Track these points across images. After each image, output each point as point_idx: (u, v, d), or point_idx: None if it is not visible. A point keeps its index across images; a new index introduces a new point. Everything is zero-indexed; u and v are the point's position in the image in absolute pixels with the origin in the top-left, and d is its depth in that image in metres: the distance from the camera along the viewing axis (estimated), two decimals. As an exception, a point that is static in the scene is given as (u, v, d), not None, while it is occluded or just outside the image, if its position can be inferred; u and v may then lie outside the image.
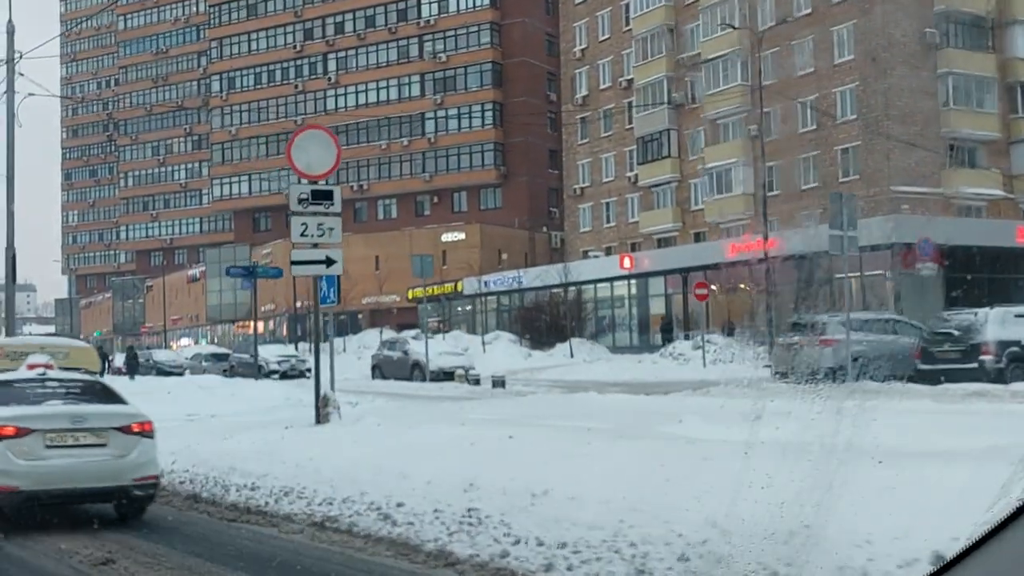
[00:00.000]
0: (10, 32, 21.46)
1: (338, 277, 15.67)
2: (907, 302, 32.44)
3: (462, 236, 67.08)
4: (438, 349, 29.84)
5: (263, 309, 77.89)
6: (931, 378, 17.65)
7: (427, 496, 7.70)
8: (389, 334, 41.60)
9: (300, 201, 11.28)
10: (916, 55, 41.92)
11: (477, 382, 26.19)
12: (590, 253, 48.81)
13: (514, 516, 6.76)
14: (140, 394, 21.73)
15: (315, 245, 11.46)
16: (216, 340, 78.97)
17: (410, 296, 61.55)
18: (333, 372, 17.63)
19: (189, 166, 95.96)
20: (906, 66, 41.77)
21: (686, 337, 39.94)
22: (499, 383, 24.89)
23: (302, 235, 11.29)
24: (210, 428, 13.45)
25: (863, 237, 34.53)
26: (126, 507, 8.62)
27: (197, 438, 12.27)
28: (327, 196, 11.39)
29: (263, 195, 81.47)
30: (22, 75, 20.45)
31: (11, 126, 19.34)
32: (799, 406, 12.82)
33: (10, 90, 19.56)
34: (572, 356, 36.10)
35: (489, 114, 70.91)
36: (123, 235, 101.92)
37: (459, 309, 60.40)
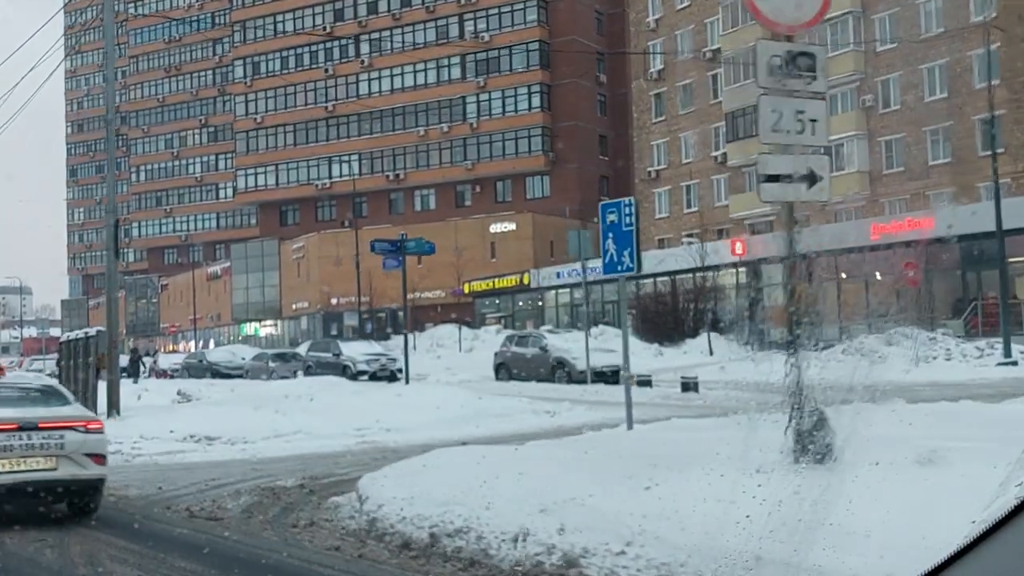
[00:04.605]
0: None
1: (637, 235, 10.76)
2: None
3: (512, 227, 62.60)
4: (583, 345, 24.96)
5: (294, 307, 72.98)
6: None
7: None
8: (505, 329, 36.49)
9: (772, 70, 6.40)
10: (1068, 11, 37.28)
11: (649, 384, 21.30)
12: (682, 241, 43.99)
13: None
14: (274, 400, 16.77)
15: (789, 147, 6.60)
16: (238, 339, 74.01)
17: (466, 290, 56.79)
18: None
19: (205, 159, 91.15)
20: (1056, 23, 37.11)
21: (808, 330, 35.16)
22: (691, 386, 20.08)
23: (774, 129, 6.40)
24: (554, 456, 8.43)
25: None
26: None
27: (560, 480, 7.25)
28: (808, 64, 6.53)
29: (291, 186, 76.53)
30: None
31: (110, 55, 14.49)
32: None
33: (108, 11, 14.76)
34: (712, 354, 31.15)
35: (536, 97, 66.33)
36: (134, 232, 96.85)
37: (519, 304, 55.67)
